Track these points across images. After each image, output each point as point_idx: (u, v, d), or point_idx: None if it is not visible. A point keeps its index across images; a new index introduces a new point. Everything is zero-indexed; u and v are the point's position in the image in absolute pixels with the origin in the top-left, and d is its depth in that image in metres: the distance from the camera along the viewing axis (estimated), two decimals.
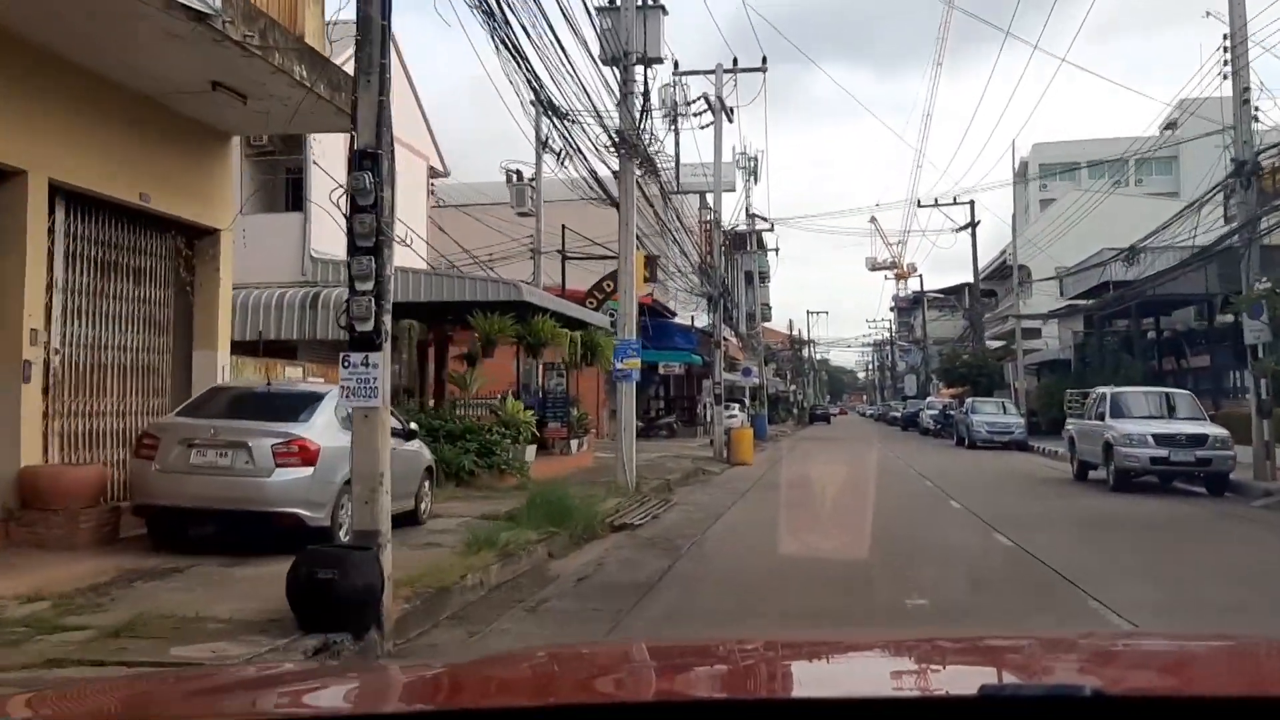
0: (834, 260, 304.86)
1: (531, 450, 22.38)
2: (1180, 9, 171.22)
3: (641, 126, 18.21)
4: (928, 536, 13.74)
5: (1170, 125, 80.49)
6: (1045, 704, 1.80)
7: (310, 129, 15.70)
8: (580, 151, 19.13)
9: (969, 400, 40.11)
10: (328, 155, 20.72)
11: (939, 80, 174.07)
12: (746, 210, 54.76)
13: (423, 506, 13.60)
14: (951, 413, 50.51)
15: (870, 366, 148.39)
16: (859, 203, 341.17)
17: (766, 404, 58.03)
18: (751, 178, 57.67)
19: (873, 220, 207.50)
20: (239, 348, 17.82)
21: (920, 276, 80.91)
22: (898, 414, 76.55)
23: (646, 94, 18.23)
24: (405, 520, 12.95)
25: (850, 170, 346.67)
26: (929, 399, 59.31)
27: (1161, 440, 19.19)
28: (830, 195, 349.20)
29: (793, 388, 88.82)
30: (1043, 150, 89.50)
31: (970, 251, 52.54)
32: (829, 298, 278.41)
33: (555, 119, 18.12)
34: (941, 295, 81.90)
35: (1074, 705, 1.77)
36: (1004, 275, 61.88)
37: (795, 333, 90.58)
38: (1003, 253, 59.68)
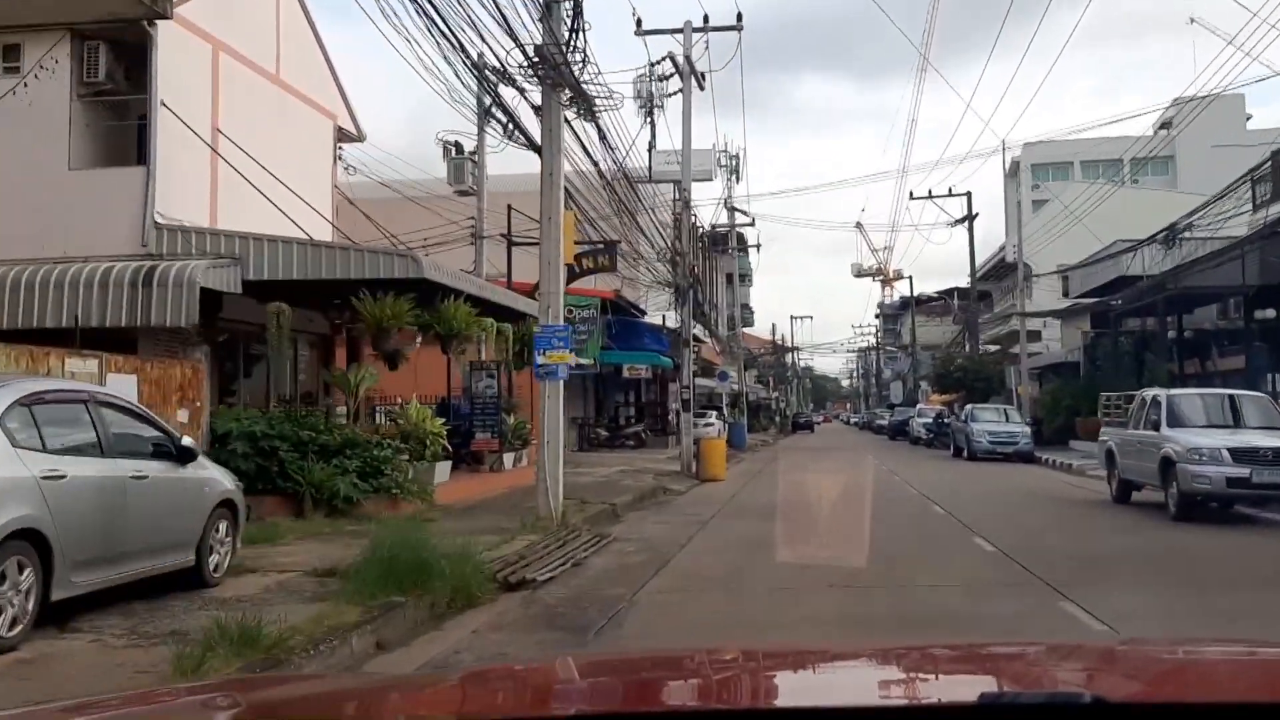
0: (819, 268, 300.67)
1: (444, 468, 17.94)
2: (1160, 20, 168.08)
3: (572, 44, 13.74)
4: (962, 607, 9.29)
5: (1165, 125, 76.73)
6: (1045, 711, 1.75)
7: None
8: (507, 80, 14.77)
9: (968, 407, 35.76)
10: (184, 95, 16.24)
11: (924, 79, 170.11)
12: (726, 204, 50.42)
13: (214, 560, 9.09)
14: (945, 421, 46.18)
15: (855, 374, 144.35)
16: (843, 211, 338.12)
17: (746, 411, 53.60)
18: (733, 176, 53.45)
19: (858, 226, 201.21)
20: (45, 337, 13.35)
21: (910, 278, 76.58)
22: (884, 422, 72.23)
23: (578, 5, 13.74)
24: (182, 581, 8.51)
25: (834, 179, 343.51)
26: (919, 406, 54.98)
27: (1241, 456, 14.78)
28: (814, 204, 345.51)
29: (775, 395, 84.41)
30: (1034, 150, 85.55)
31: (965, 251, 48.43)
32: (814, 305, 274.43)
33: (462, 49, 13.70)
34: (933, 298, 77.68)
35: (1074, 712, 1.72)
36: (1000, 275, 57.68)
37: (779, 338, 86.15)
38: (1000, 250, 55.42)
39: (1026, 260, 49.76)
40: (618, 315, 37.18)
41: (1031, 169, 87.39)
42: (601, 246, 27.65)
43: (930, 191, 47.53)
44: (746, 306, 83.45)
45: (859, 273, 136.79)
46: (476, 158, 27.65)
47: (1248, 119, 75.47)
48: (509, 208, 28.16)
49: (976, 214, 46.76)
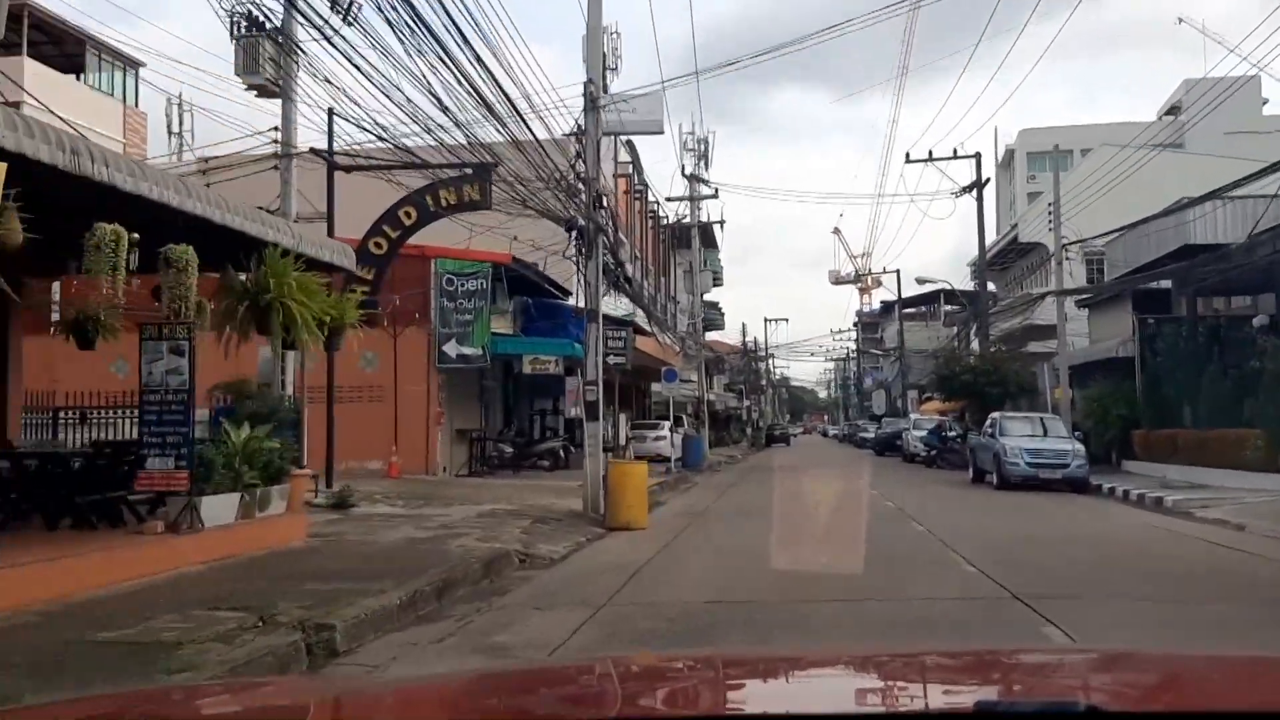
0: (795, 277, 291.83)
1: None
2: (1133, 26, 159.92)
3: None
4: None
5: (1173, 110, 67.79)
6: (1041, 719, 1.76)
7: None
8: None
9: (995, 417, 26.21)
10: None
11: (904, 82, 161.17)
12: (684, 172, 40.91)
13: None
14: (949, 435, 36.70)
15: (834, 384, 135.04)
16: (820, 224, 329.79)
17: (707, 423, 43.93)
18: (701, 162, 43.97)
19: (836, 231, 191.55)
20: None
21: (897, 273, 67.34)
22: (869, 435, 62.73)
23: None
24: None
25: (812, 189, 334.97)
26: (913, 417, 45.50)
27: None
28: (789, 216, 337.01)
29: (746, 404, 74.79)
30: (1031, 137, 76.78)
31: (959, 242, 38.91)
32: (791, 316, 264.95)
33: None
34: (923, 298, 68.33)
35: None
36: (1006, 264, 48.19)
37: (750, 342, 76.48)
38: (1012, 229, 46.04)
39: (1039, 241, 40.47)
40: (530, 294, 27.66)
41: (1027, 158, 78.59)
42: (469, 172, 18.02)
43: (930, 153, 38.19)
44: (715, 306, 73.92)
45: (837, 280, 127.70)
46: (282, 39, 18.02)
47: (1263, 103, 67.34)
48: (329, 113, 18.57)
49: (987, 179, 37.42)
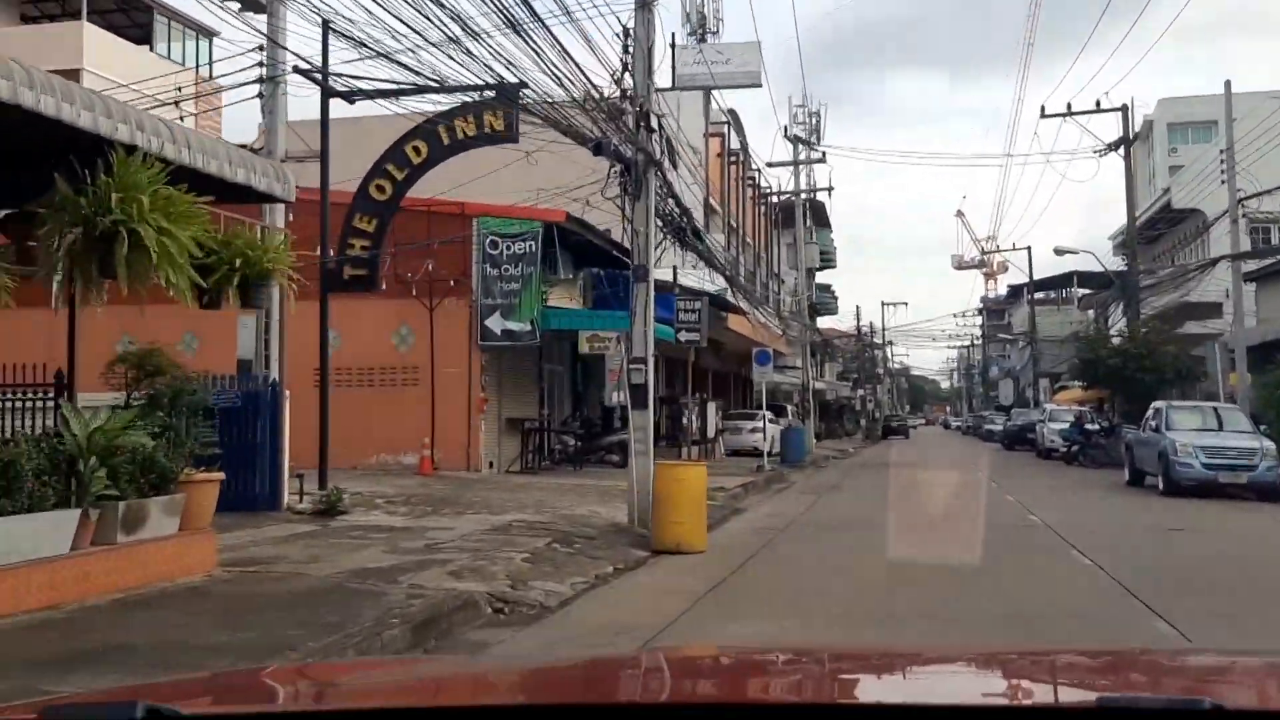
0: (914, 266, 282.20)
1: None
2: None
3: None
4: None
5: None
6: (1163, 716, 1.72)
7: None
8: None
9: (1161, 408, 21.23)
10: None
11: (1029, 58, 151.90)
12: (786, 134, 36.44)
13: None
14: (1092, 427, 31.56)
15: (955, 373, 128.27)
16: (941, 210, 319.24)
17: (814, 413, 39.41)
18: (813, 137, 39.41)
19: (959, 214, 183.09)
20: None
21: (1028, 250, 61.48)
22: (996, 427, 57.16)
23: None
24: None
25: (935, 155, 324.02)
26: (1048, 407, 40.20)
27: None
28: (908, 203, 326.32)
29: (860, 394, 69.71)
30: (1171, 107, 69.58)
31: (1098, 212, 33.54)
32: (911, 309, 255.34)
33: None
34: (1057, 280, 62.53)
35: (1192, 719, 1.68)
36: (1152, 237, 42.44)
37: (866, 328, 71.26)
38: (1164, 194, 40.38)
39: (1195, 208, 34.95)
40: (602, 265, 23.79)
41: (1168, 130, 71.54)
42: (489, 95, 14.11)
43: (1069, 106, 32.96)
44: (826, 289, 69.07)
45: (960, 265, 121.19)
46: None
47: None
48: (324, 26, 14.86)
49: (1136, 136, 32.13)
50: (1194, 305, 33.89)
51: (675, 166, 16.65)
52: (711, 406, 29.70)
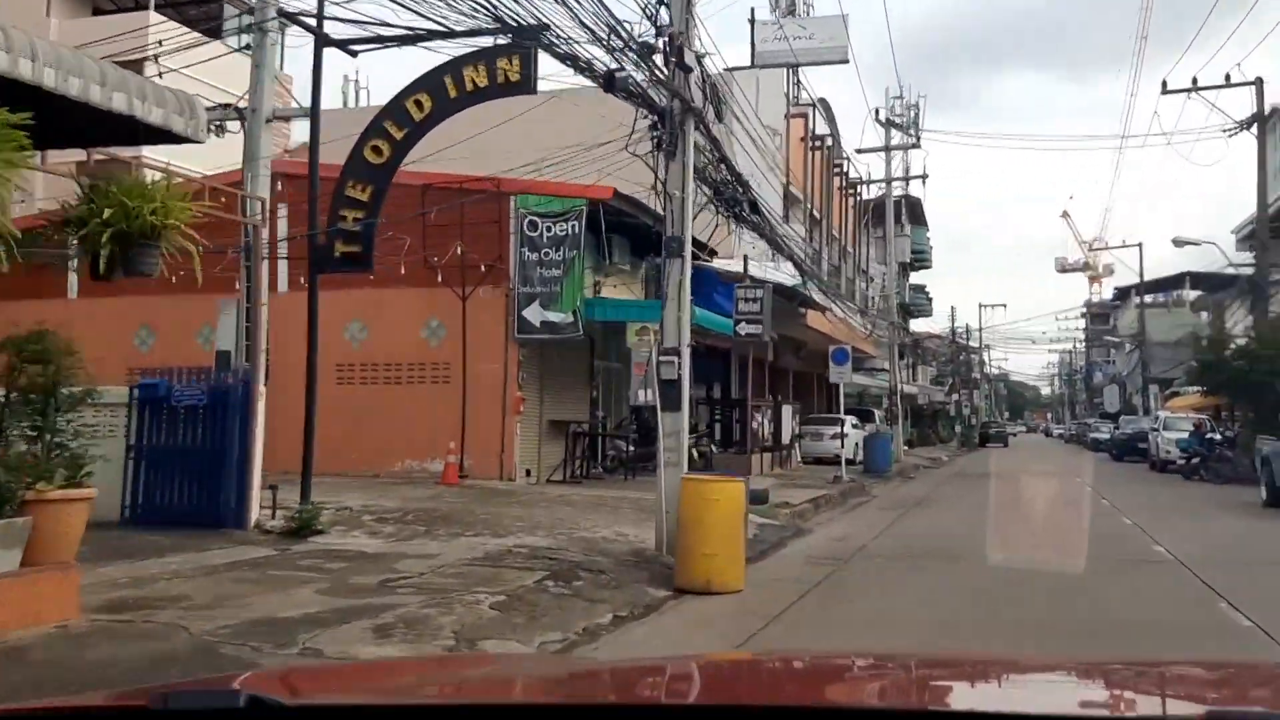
0: (1017, 269, 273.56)
1: None
2: None
3: None
4: None
5: None
6: None
7: None
8: None
9: None
10: None
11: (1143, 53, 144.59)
12: (877, 117, 33.56)
13: None
14: (1213, 436, 28.10)
15: (1057, 379, 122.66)
16: (1046, 212, 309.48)
17: (900, 418, 36.37)
18: (911, 132, 36.40)
19: (1065, 215, 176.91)
20: None
21: (1139, 246, 57.71)
22: (1102, 435, 53.23)
23: None
24: None
25: (1041, 137, 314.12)
26: (1161, 415, 36.52)
27: None
28: (1010, 203, 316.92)
29: (955, 398, 65.94)
30: None
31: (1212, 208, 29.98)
32: (1011, 313, 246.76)
33: None
34: (1166, 281, 58.29)
35: None
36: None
37: (962, 330, 67.46)
38: None
39: None
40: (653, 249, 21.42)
41: None
42: (504, 41, 11.77)
43: (1195, 81, 29.50)
44: (921, 290, 65.51)
45: (1064, 268, 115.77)
46: None
47: None
48: None
49: (1273, 112, 28.59)
50: None
51: (722, 119, 13.99)
52: (787, 410, 27.05)
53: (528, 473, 17.87)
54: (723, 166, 13.54)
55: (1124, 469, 34.31)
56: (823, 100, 38.86)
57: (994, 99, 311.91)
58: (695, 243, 21.62)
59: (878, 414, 38.13)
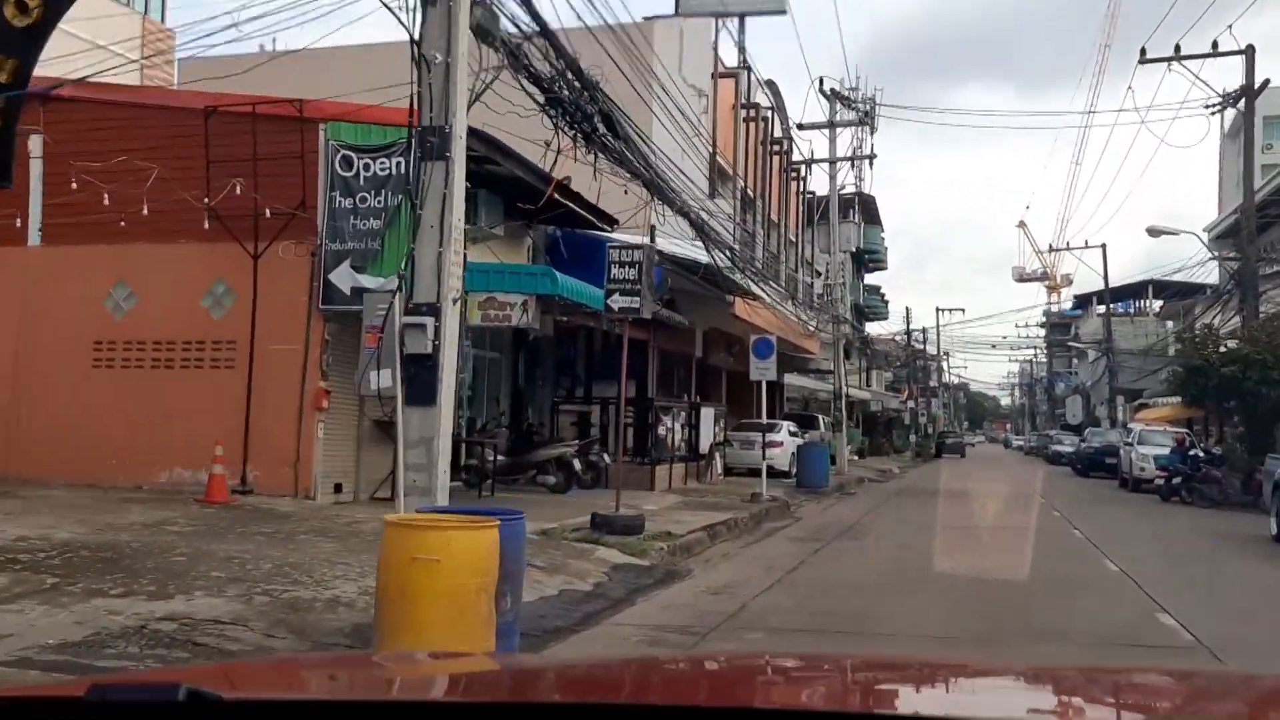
0: (974, 282, 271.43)
1: None
2: None
3: None
4: None
5: None
6: None
7: None
8: None
9: None
10: None
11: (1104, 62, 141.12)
12: (820, 87, 29.54)
13: None
14: (1198, 452, 24.28)
15: (1017, 389, 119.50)
16: (1004, 224, 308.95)
17: (845, 425, 32.27)
18: (865, 127, 32.40)
19: (1021, 224, 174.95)
20: None
21: (1103, 248, 54.02)
22: (1065, 448, 49.51)
23: None
24: None
25: (993, 188, 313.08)
26: (1136, 428, 32.67)
27: None
28: (970, 218, 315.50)
29: (911, 406, 62.07)
30: (1271, 98, 61.19)
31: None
32: (969, 324, 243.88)
33: None
34: (1128, 290, 54.86)
35: None
36: (1262, 223, 34.68)
37: (919, 334, 63.66)
38: None
39: None
40: (565, 228, 17.47)
41: (1263, 124, 63.13)
42: None
43: (1177, 48, 25.68)
44: (876, 291, 61.71)
45: (1021, 277, 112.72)
46: None
47: None
48: None
49: (1265, 83, 24.86)
50: None
51: None
52: (708, 413, 22.90)
53: (337, 488, 13.56)
54: (560, 60, 9.32)
55: (1092, 487, 30.41)
56: (770, 83, 34.87)
57: (954, 113, 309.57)
58: (589, 207, 17.54)
59: (823, 421, 34.12)
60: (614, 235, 18.16)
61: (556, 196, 16.17)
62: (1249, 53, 25.08)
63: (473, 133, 12.99)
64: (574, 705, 1.89)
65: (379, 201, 13.07)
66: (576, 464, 16.84)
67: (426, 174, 7.08)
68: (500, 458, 16.88)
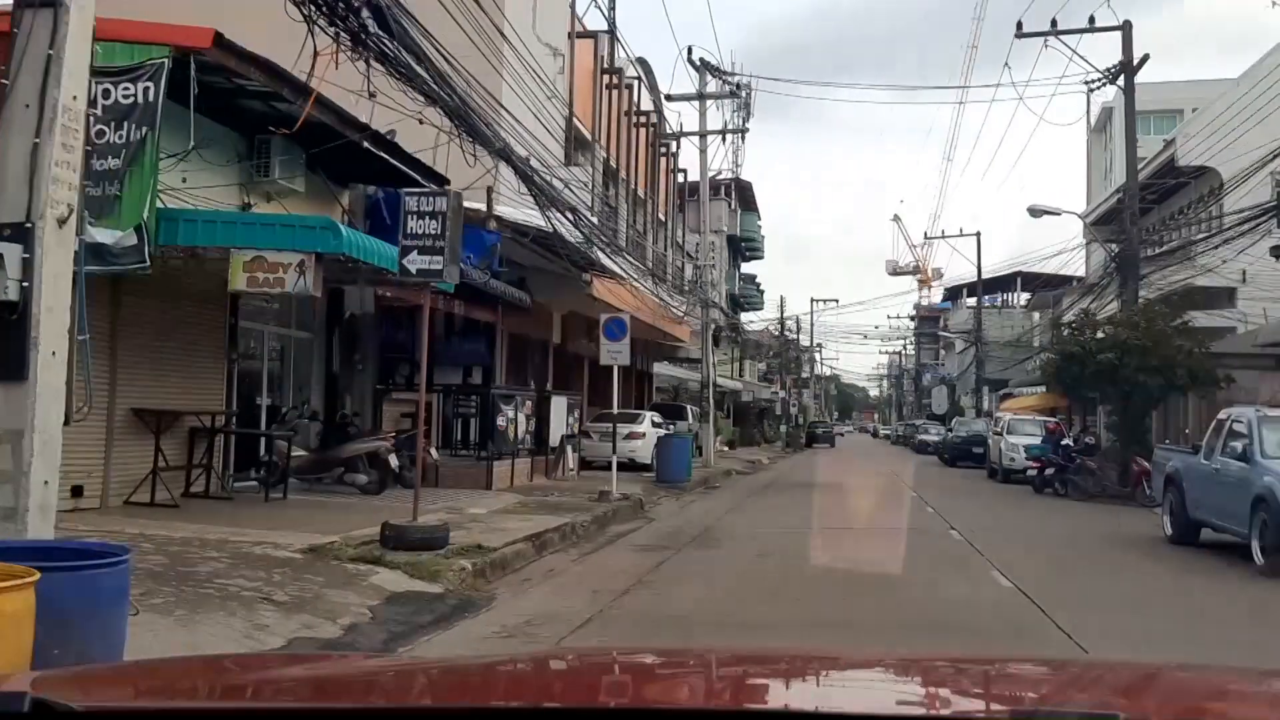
0: (848, 278, 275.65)
1: None
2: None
3: None
4: None
5: None
6: None
7: None
8: None
9: (1251, 420, 12.26)
10: None
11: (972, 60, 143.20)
12: (689, 56, 27.50)
13: None
14: (1069, 443, 23.09)
15: (886, 380, 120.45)
16: (878, 221, 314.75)
17: (713, 416, 30.38)
18: (742, 114, 30.50)
19: (895, 219, 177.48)
20: None
21: (976, 235, 53.76)
22: (932, 438, 48.81)
23: None
24: None
25: (869, 191, 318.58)
26: (1005, 417, 31.57)
27: None
28: (846, 217, 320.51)
29: (783, 396, 60.83)
30: (1142, 94, 61.58)
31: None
32: (844, 317, 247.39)
33: None
34: (997, 281, 54.56)
35: None
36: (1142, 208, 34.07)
37: (792, 324, 62.51)
38: (1168, 145, 31.98)
39: (1209, 164, 26.61)
40: (384, 183, 14.85)
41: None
42: None
43: (1054, 22, 24.37)
44: (751, 280, 60.34)
45: (895, 271, 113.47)
46: None
47: None
48: None
49: (1145, 58, 23.68)
50: (1203, 290, 25.41)
51: None
52: (559, 402, 20.58)
53: (76, 491, 10.83)
54: None
55: (961, 478, 29.14)
56: (641, 60, 32.73)
57: (828, 114, 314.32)
58: (416, 165, 15.04)
59: (692, 411, 32.19)
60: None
61: (368, 146, 13.69)
62: (1126, 28, 23.91)
63: (229, 48, 10.47)
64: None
65: (120, 137, 10.36)
66: (393, 460, 14.33)
67: (25, 28, 4.62)
68: (303, 453, 14.30)
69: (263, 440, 14.06)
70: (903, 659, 2.61)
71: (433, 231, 9.87)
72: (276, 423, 14.48)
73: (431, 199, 9.93)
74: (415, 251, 9.84)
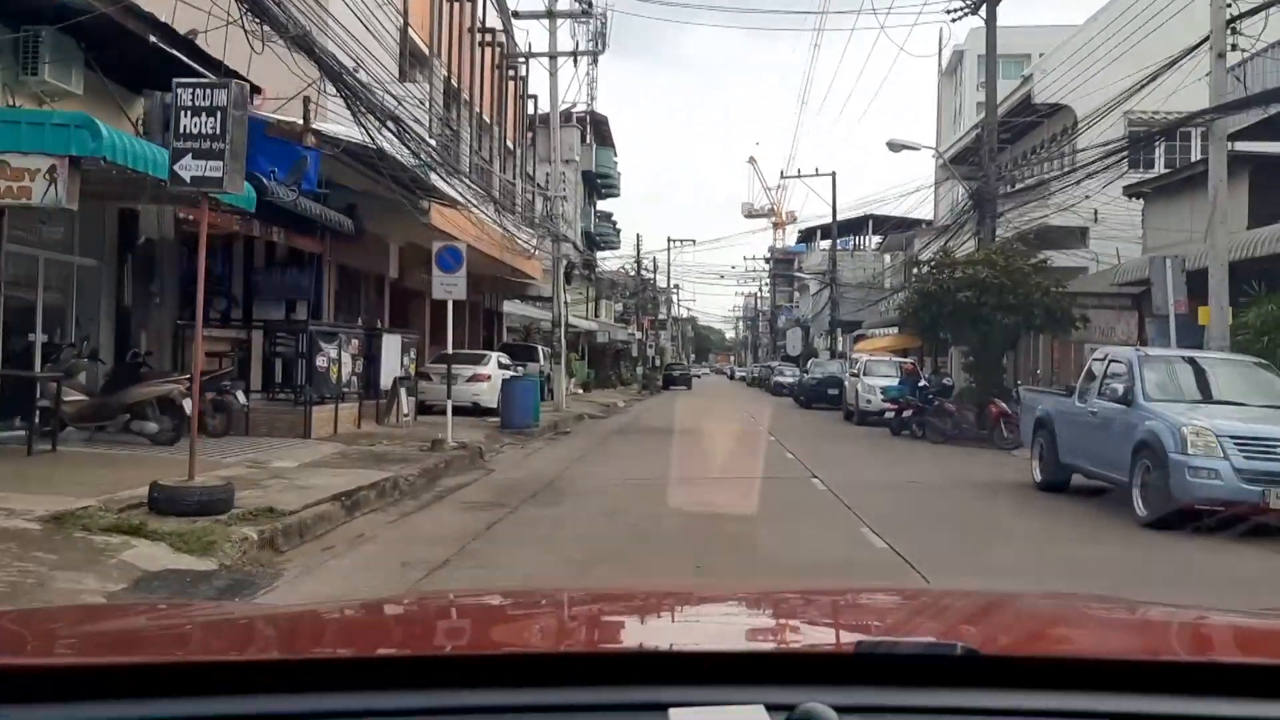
0: (706, 220, 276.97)
1: None
2: None
3: None
4: None
5: None
6: (921, 661, 1.55)
7: None
8: None
9: (1131, 360, 11.43)
10: None
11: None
12: None
13: None
14: (925, 384, 22.62)
15: (741, 322, 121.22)
16: (735, 164, 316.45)
17: (564, 358, 28.96)
18: (596, 41, 28.63)
19: (751, 160, 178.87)
20: None
21: (832, 175, 53.02)
22: (787, 379, 48.55)
23: None
24: None
25: (730, 131, 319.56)
26: (860, 358, 31.10)
27: None
28: (703, 159, 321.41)
29: (639, 338, 59.78)
30: (982, 37, 62.11)
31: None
32: (701, 259, 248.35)
33: None
34: (850, 224, 54.40)
35: (949, 664, 1.52)
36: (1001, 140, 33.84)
37: (649, 263, 61.35)
38: (1025, 81, 31.63)
39: (1063, 102, 26.25)
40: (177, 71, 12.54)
41: (978, 63, 64.23)
42: None
43: None
44: (607, 218, 58.82)
45: (750, 213, 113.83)
46: None
47: None
48: None
49: None
50: (1059, 230, 25.15)
51: None
52: (392, 341, 18.76)
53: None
54: None
55: (817, 420, 28.53)
56: None
57: (683, 54, 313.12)
58: (218, 67, 12.95)
59: (543, 352, 30.69)
60: (256, 109, 13.74)
61: (161, 45, 11.65)
62: None
63: None
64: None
65: None
66: (187, 406, 12.42)
67: None
68: (80, 398, 12.26)
69: (36, 384, 11.97)
70: (754, 593, 2.50)
71: (210, 131, 8.01)
72: (50, 362, 12.38)
73: (208, 91, 8.06)
74: (190, 155, 7.98)
